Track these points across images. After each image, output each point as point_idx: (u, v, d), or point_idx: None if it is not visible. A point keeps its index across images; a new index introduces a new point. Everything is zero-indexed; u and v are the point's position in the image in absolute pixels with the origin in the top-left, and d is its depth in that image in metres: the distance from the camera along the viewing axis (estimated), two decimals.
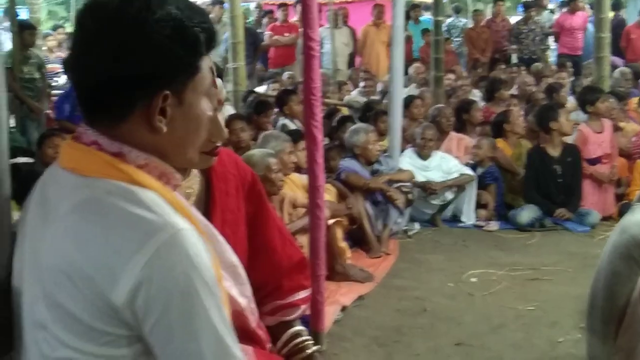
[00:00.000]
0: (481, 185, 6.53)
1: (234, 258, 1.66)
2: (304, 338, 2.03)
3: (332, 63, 10.61)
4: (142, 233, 1.24)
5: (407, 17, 12.85)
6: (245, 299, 1.70)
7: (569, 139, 6.60)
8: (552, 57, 13.47)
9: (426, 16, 14.21)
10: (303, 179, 4.72)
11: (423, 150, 6.52)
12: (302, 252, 2.11)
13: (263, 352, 1.80)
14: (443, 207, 6.49)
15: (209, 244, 1.36)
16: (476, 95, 9.17)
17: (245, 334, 1.71)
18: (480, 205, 6.53)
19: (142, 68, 1.29)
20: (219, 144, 1.50)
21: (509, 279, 5.02)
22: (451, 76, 10.01)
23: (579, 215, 6.31)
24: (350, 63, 12.40)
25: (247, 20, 14.03)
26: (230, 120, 6.19)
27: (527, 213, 6.27)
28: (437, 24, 8.60)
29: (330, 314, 4.17)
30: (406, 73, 9.93)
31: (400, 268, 5.39)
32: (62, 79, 10.13)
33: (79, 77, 1.37)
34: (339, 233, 5.08)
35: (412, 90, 9.57)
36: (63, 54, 11.53)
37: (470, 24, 13.90)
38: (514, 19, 13.75)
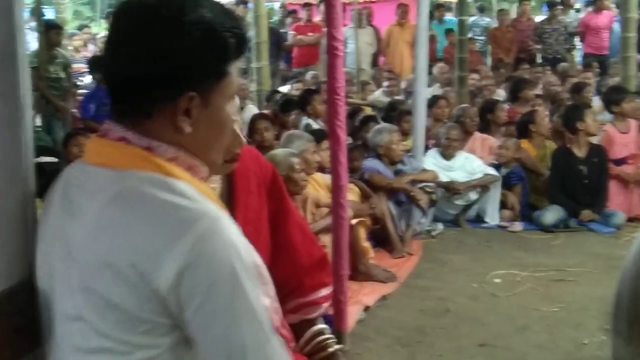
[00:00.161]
0: (506, 185, 6.50)
1: (256, 257, 1.67)
2: (326, 336, 2.03)
3: (356, 63, 10.60)
4: (183, 220, 1.25)
5: (431, 16, 12.82)
6: (268, 299, 1.71)
7: (594, 140, 6.54)
8: (577, 56, 13.36)
9: (449, 16, 14.15)
10: (326, 178, 4.72)
11: (447, 150, 6.50)
12: (323, 249, 2.11)
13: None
14: (467, 207, 6.47)
15: None
16: (500, 95, 9.12)
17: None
18: (504, 206, 6.49)
19: (170, 68, 1.31)
20: (238, 151, 1.52)
21: (533, 280, 4.99)
22: (475, 76, 9.96)
23: (605, 216, 6.26)
24: (374, 63, 12.38)
25: (271, 20, 14.08)
26: (254, 119, 6.22)
27: (551, 214, 6.22)
28: (462, 24, 8.57)
29: (353, 313, 4.17)
30: (430, 73, 9.90)
31: (424, 268, 5.37)
32: (88, 79, 10.21)
33: (110, 73, 1.39)
34: (362, 233, 5.09)
35: (436, 90, 9.55)
36: (89, 53, 11.62)
37: (494, 23, 13.82)
38: (539, 19, 13.65)
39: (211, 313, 1.26)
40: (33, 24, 9.28)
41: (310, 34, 12.14)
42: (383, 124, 6.42)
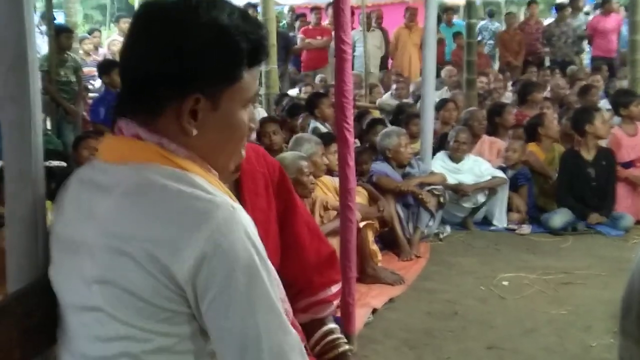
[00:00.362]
0: (512, 187, 6.51)
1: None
2: (336, 336, 2.03)
3: (364, 66, 10.62)
4: (201, 210, 1.27)
5: (440, 20, 12.83)
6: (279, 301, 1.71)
7: (602, 143, 6.54)
8: (586, 60, 13.33)
9: (456, 19, 14.14)
10: (335, 181, 4.74)
11: (456, 153, 6.50)
12: (331, 247, 2.10)
13: None
14: (475, 210, 6.47)
15: None
16: (508, 98, 9.12)
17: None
18: (511, 208, 6.49)
19: (176, 68, 1.32)
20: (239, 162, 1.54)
21: (541, 283, 4.99)
22: (483, 79, 9.96)
23: (613, 219, 6.26)
24: (383, 65, 12.39)
25: (280, 24, 14.11)
26: (262, 122, 6.23)
27: (560, 217, 6.22)
28: (470, 27, 8.57)
29: (360, 316, 4.18)
30: (438, 76, 9.90)
31: (431, 271, 5.38)
32: (98, 82, 10.25)
33: (122, 70, 1.42)
34: (370, 235, 5.09)
35: (444, 93, 9.55)
36: (99, 57, 11.65)
37: (503, 28, 13.82)
38: (547, 22, 13.63)
39: (227, 302, 1.27)
40: (44, 27, 9.33)
41: (319, 37, 12.16)
42: (391, 127, 6.44)
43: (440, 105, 7.52)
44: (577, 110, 6.83)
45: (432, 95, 6.40)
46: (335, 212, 4.75)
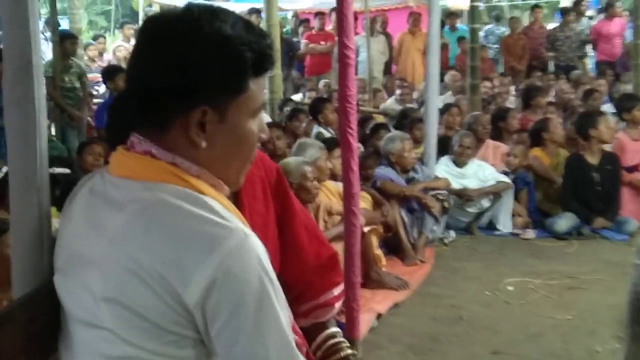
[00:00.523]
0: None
1: None
2: (338, 340, 2.02)
3: (368, 71, 10.63)
4: (213, 235, 1.26)
5: (443, 24, 12.84)
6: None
7: (606, 147, 6.53)
8: (590, 64, 13.33)
9: (460, 24, 14.15)
10: (338, 186, 4.74)
11: (460, 157, 6.49)
12: (332, 248, 2.09)
13: None
14: (479, 214, 6.46)
15: None
16: (512, 102, 9.12)
17: None
18: (512, 213, 6.49)
19: (180, 80, 1.32)
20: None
21: (546, 288, 4.98)
22: (487, 84, 9.96)
23: (618, 224, 6.25)
24: (387, 71, 12.39)
25: (284, 29, 14.11)
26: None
27: (564, 221, 6.21)
28: (473, 32, 8.58)
29: (365, 321, 4.18)
30: (442, 81, 9.91)
31: (436, 276, 5.37)
32: (103, 88, 10.27)
33: (129, 83, 1.42)
34: (374, 241, 5.09)
35: (448, 98, 9.56)
36: (103, 63, 11.69)
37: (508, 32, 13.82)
38: (551, 26, 13.63)
39: (236, 329, 1.26)
40: (48, 33, 9.35)
41: (323, 42, 12.19)
42: (395, 132, 6.43)
43: (444, 110, 7.52)
44: (582, 115, 6.82)
45: (436, 100, 6.40)
46: (339, 217, 4.75)
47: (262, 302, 1.27)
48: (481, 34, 12.88)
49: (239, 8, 13.81)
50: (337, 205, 4.85)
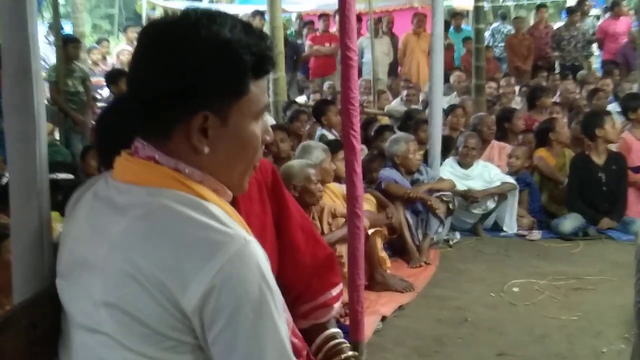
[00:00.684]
0: None
1: None
2: (338, 341, 2.01)
3: (373, 72, 10.64)
4: (213, 242, 1.26)
5: (449, 25, 12.83)
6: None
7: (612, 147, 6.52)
8: (595, 63, 13.30)
9: (465, 24, 14.15)
10: (342, 188, 4.73)
11: (465, 159, 6.48)
12: (329, 248, 2.08)
13: None
14: (484, 216, 6.45)
15: None
16: (517, 103, 9.10)
17: None
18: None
19: (180, 86, 1.32)
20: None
21: (551, 289, 4.96)
22: (493, 84, 9.94)
23: (624, 224, 6.23)
24: (392, 72, 12.39)
25: (288, 31, 14.13)
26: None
27: (570, 222, 6.20)
28: (478, 32, 8.57)
29: (370, 324, 4.17)
30: (448, 81, 9.90)
31: (441, 278, 5.36)
32: (106, 92, 10.29)
33: (129, 89, 1.42)
34: (379, 243, 5.08)
35: (454, 98, 9.55)
36: (107, 67, 11.71)
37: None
38: (558, 25, 13.61)
39: (234, 336, 1.26)
40: (52, 38, 9.37)
41: (327, 44, 12.19)
42: (400, 133, 6.42)
43: (448, 111, 7.52)
44: (587, 115, 6.81)
45: (440, 101, 6.40)
46: (343, 220, 4.74)
47: (261, 311, 1.27)
48: (487, 32, 12.89)
49: (243, 10, 13.86)
50: (341, 207, 4.84)
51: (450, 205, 5.96)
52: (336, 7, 3.59)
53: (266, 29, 9.46)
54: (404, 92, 9.69)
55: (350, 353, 2.01)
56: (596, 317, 4.45)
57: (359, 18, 12.14)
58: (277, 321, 1.30)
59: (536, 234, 6.29)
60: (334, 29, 12.51)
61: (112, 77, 8.26)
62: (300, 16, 14.99)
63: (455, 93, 10.06)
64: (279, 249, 1.90)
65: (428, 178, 6.05)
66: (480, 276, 5.32)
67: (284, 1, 11.91)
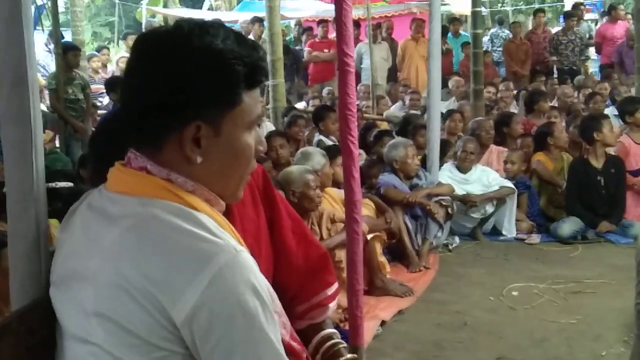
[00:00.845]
0: None
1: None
2: (335, 341, 2.00)
3: (371, 78, 10.66)
4: (204, 253, 1.26)
5: (447, 30, 12.86)
6: (275, 315, 1.69)
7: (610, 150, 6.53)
8: (592, 67, 13.33)
9: (463, 30, 14.19)
10: (342, 193, 4.72)
11: (464, 163, 6.49)
12: (322, 248, 2.07)
13: None
14: (484, 220, 6.46)
15: None
16: (514, 107, 9.13)
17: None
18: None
19: (171, 96, 1.32)
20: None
21: (551, 293, 4.97)
22: (491, 89, 9.96)
23: (622, 227, 6.25)
24: (391, 77, 12.42)
25: (287, 37, 14.15)
26: (269, 136, 6.26)
27: (569, 225, 6.21)
28: (476, 37, 8.58)
29: (369, 328, 4.18)
30: (446, 86, 9.92)
31: (441, 282, 5.37)
32: (106, 99, 10.32)
33: (122, 100, 1.42)
34: (378, 248, 5.10)
35: (452, 103, 9.58)
36: (107, 74, 11.74)
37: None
38: (556, 30, 13.64)
39: (230, 348, 1.27)
40: (52, 46, 9.39)
41: (326, 50, 12.22)
42: (398, 139, 6.44)
43: (446, 116, 7.53)
44: (585, 119, 6.83)
45: (438, 106, 6.41)
46: (342, 225, 4.75)
47: (254, 321, 1.27)
48: (486, 38, 12.91)
49: (242, 17, 13.90)
50: (341, 212, 4.85)
51: (449, 210, 5.97)
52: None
53: (265, 35, 9.51)
54: (408, 98, 9.73)
55: (349, 356, 2.01)
56: (595, 320, 4.45)
57: (358, 24, 12.20)
58: (269, 330, 1.30)
59: (535, 238, 6.30)
60: (332, 35, 12.53)
61: (112, 84, 8.29)
62: (299, 22, 15.02)
63: (453, 98, 10.08)
64: (272, 252, 1.91)
65: (427, 183, 6.07)
66: (480, 280, 5.34)
67: (283, 8, 11.96)
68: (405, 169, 5.94)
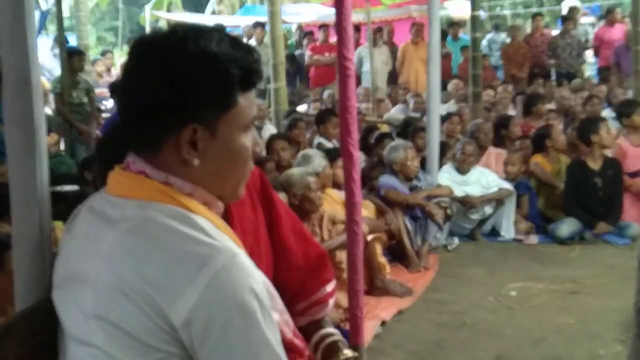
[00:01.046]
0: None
1: (261, 275, 1.68)
2: (334, 338, 2.02)
3: (372, 81, 10.71)
4: (201, 255, 1.27)
5: (446, 34, 12.89)
6: (277, 313, 1.66)
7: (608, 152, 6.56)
8: (589, 70, 13.35)
9: (463, 33, 14.22)
10: (342, 195, 4.78)
11: (462, 165, 6.53)
12: (320, 247, 2.09)
13: None
14: (482, 221, 6.49)
15: None
16: (512, 109, 9.17)
17: (282, 346, 1.73)
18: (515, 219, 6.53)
19: (166, 100, 1.35)
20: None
21: (549, 293, 5.00)
22: (490, 92, 10.00)
23: (620, 228, 6.27)
24: (391, 80, 12.46)
25: (288, 42, 14.21)
26: (271, 139, 6.31)
27: (567, 226, 6.25)
28: (475, 41, 8.62)
29: (370, 328, 4.21)
30: (445, 89, 9.96)
31: (440, 282, 5.40)
32: (110, 103, 10.38)
33: (120, 103, 1.45)
34: (378, 249, 5.13)
35: (452, 106, 9.60)
36: (111, 78, 11.81)
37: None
38: (555, 33, 13.67)
39: (228, 349, 1.28)
40: (57, 50, 9.44)
41: (327, 54, 12.27)
42: (398, 141, 6.47)
43: (445, 119, 7.55)
44: (583, 121, 6.84)
45: (438, 109, 6.45)
46: (343, 226, 4.78)
47: (252, 322, 1.29)
48: (484, 42, 12.94)
49: (244, 21, 13.97)
50: (341, 214, 4.88)
51: (449, 211, 6.01)
52: None
53: (267, 39, 9.56)
54: (412, 101, 9.77)
55: (350, 354, 2.04)
56: (593, 320, 4.48)
57: (358, 28, 12.25)
58: (267, 332, 1.32)
59: (533, 239, 6.34)
60: (333, 39, 12.58)
61: (116, 88, 8.31)
62: (300, 27, 15.07)
63: (453, 101, 10.11)
64: (272, 251, 1.94)
65: (426, 184, 6.11)
66: (479, 280, 5.37)
67: (285, 12, 12.03)
68: (405, 170, 5.97)
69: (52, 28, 10.57)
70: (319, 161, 5.18)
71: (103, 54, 14.07)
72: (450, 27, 13.99)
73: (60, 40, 8.64)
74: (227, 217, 1.67)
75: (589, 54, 13.25)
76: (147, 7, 17.53)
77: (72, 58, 8.46)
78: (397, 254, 5.78)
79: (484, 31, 11.60)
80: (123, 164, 1.46)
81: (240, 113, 1.41)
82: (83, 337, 1.35)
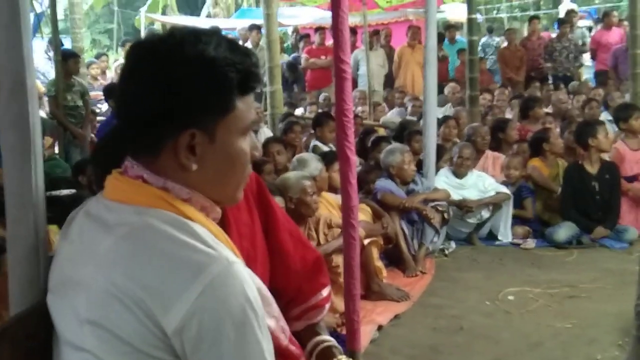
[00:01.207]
0: (516, 201, 6.55)
1: (257, 280, 1.67)
2: (328, 344, 2.01)
3: (368, 84, 10.71)
4: (196, 263, 1.26)
5: (443, 37, 12.91)
6: (273, 320, 1.66)
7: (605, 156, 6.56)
8: (586, 74, 13.37)
9: (459, 36, 14.25)
10: (338, 199, 4.76)
11: (460, 169, 6.52)
12: (316, 251, 2.09)
13: None
14: (479, 225, 6.49)
15: None
16: (508, 113, 9.17)
17: (278, 352, 1.72)
18: (518, 222, 6.52)
19: (164, 104, 1.33)
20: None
21: (546, 297, 4.99)
22: (487, 95, 10.00)
23: (617, 232, 6.27)
24: (388, 84, 12.47)
25: (285, 44, 14.20)
26: (267, 143, 6.29)
27: (564, 230, 6.24)
28: (472, 44, 8.62)
29: (366, 333, 4.20)
30: (442, 92, 9.96)
31: (437, 287, 5.40)
32: (105, 106, 10.35)
33: (117, 107, 1.44)
34: (375, 252, 5.12)
35: (448, 109, 9.61)
36: (106, 81, 11.78)
37: (504, 43, 13.87)
38: (552, 36, 13.70)
39: (219, 358, 1.27)
40: (51, 53, 9.41)
41: (323, 57, 12.27)
42: (395, 144, 6.46)
43: (441, 122, 7.56)
44: (580, 124, 6.85)
45: (434, 112, 6.43)
46: (339, 230, 4.77)
47: (244, 332, 1.28)
48: (478, 46, 12.97)
49: (240, 24, 13.95)
50: (338, 218, 4.87)
51: (446, 215, 6.00)
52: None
53: (263, 42, 9.54)
54: (410, 105, 9.77)
55: (344, 359, 2.02)
56: (590, 324, 4.47)
57: (354, 31, 12.26)
58: (261, 342, 1.31)
59: (530, 243, 6.33)
60: (330, 42, 12.59)
61: (111, 91, 8.31)
62: (296, 30, 15.08)
63: (449, 104, 10.11)
64: (269, 256, 1.92)
65: (423, 188, 6.10)
66: (476, 285, 5.36)
67: (281, 15, 12.02)
68: (402, 174, 5.97)
69: (46, 30, 10.51)
70: (315, 165, 5.17)
71: (98, 56, 14.03)
72: (447, 30, 14.02)
73: (55, 42, 8.62)
74: (223, 221, 1.65)
75: (586, 57, 13.28)
76: (142, 10, 17.55)
77: (67, 61, 8.45)
78: (394, 258, 5.77)
79: (480, 34, 11.59)
80: (121, 169, 1.44)
81: (238, 117, 1.40)
82: (77, 342, 1.33)
